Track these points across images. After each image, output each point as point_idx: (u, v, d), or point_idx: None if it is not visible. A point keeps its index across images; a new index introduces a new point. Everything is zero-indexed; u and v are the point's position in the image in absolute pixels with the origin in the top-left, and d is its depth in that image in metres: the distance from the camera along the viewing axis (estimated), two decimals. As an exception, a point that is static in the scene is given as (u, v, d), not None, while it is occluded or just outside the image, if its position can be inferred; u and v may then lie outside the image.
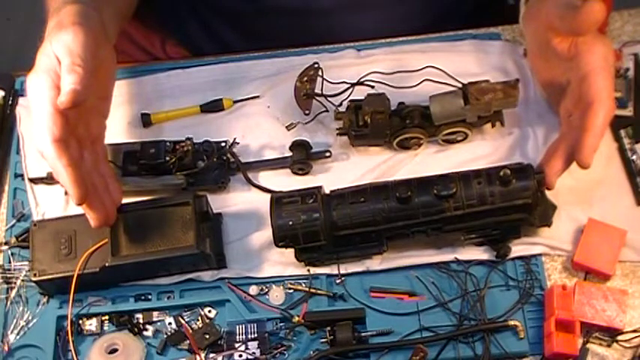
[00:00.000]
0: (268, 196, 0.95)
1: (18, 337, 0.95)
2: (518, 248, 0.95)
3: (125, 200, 0.98)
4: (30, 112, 1.07)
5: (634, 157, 1.00)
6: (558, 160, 0.93)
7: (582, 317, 0.90)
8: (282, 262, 0.97)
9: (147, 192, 1.00)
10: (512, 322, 0.91)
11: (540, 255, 0.96)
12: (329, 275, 0.96)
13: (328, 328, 0.92)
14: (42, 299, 0.97)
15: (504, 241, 0.95)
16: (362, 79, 1.02)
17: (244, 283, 0.96)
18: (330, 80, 1.02)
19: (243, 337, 0.93)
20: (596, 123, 0.90)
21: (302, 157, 1.01)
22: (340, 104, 1.02)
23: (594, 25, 0.92)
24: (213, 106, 1.07)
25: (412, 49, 1.09)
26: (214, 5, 1.19)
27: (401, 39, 1.11)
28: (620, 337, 0.91)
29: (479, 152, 1.02)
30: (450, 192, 0.91)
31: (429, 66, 1.01)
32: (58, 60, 0.89)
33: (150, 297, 0.97)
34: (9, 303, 0.97)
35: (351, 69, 1.06)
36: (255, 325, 0.94)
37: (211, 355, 0.93)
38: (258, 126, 1.06)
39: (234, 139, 1.04)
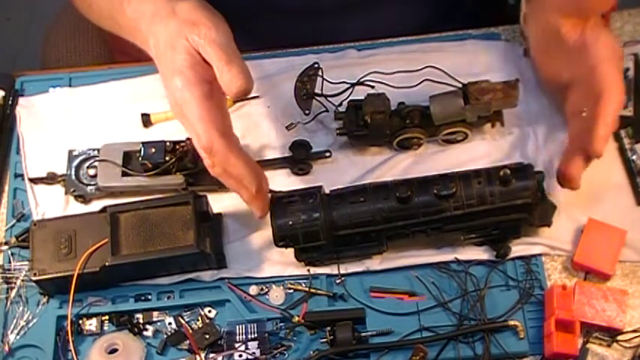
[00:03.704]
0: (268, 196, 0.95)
1: (18, 337, 0.95)
2: (518, 248, 0.95)
3: (125, 200, 0.99)
4: (30, 113, 1.08)
5: (634, 157, 1.00)
6: (578, 157, 0.92)
7: (582, 317, 0.90)
8: (282, 262, 0.97)
9: (147, 192, 1.00)
10: (512, 322, 0.91)
11: (540, 255, 0.96)
12: (329, 275, 0.96)
13: (328, 328, 0.92)
14: (42, 299, 0.97)
15: (504, 240, 0.95)
16: (362, 79, 1.02)
17: (244, 283, 0.96)
18: (330, 80, 1.02)
19: (243, 337, 0.93)
20: (607, 112, 0.90)
21: (302, 157, 1.01)
22: (340, 104, 1.02)
23: (605, 3, 0.92)
24: (213, 106, 1.07)
25: (412, 49, 1.09)
26: (215, 4, 1.19)
27: (401, 39, 1.11)
28: (620, 337, 0.91)
29: (479, 152, 1.02)
30: (450, 192, 0.91)
31: (429, 66, 1.01)
32: (200, 55, 0.87)
33: (150, 297, 0.97)
34: (9, 303, 0.97)
35: (351, 69, 1.06)
36: (255, 325, 0.94)
37: (211, 355, 0.93)
38: (258, 126, 1.06)
39: (235, 139, 1.04)
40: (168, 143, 1.00)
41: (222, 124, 0.88)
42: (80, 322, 0.96)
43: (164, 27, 0.89)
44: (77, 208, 1.02)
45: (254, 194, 0.91)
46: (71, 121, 1.07)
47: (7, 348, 0.94)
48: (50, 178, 1.03)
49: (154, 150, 1.00)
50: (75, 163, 1.03)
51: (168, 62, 0.88)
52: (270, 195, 0.94)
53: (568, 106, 0.97)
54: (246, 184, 0.90)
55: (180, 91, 0.87)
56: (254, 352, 0.92)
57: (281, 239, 0.93)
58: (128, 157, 1.01)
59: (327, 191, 0.95)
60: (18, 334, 0.95)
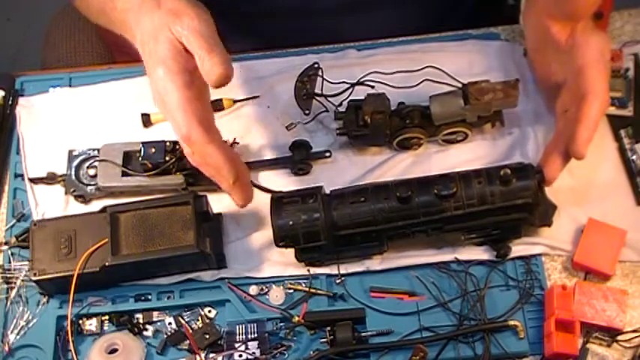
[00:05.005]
0: (268, 196, 0.95)
1: (18, 337, 0.95)
2: (519, 248, 0.95)
3: (125, 200, 0.98)
4: (30, 112, 1.08)
5: (634, 157, 1.00)
6: (557, 157, 0.93)
7: (582, 317, 0.90)
8: (282, 262, 0.97)
9: (147, 192, 1.00)
10: (512, 322, 0.91)
11: (540, 255, 0.96)
12: (329, 275, 0.96)
13: (328, 328, 0.92)
14: (42, 299, 0.97)
15: (505, 240, 0.95)
16: (362, 79, 1.02)
17: (244, 283, 0.96)
18: (330, 80, 1.03)
19: (243, 337, 0.93)
20: (590, 114, 0.90)
21: (302, 157, 1.01)
22: (340, 104, 1.02)
23: (589, 8, 0.92)
24: (213, 106, 1.06)
25: (412, 49, 1.09)
26: (215, 6, 1.19)
27: (401, 39, 1.11)
28: (620, 337, 0.91)
29: (479, 152, 1.02)
30: (451, 192, 0.91)
31: (429, 66, 1.01)
32: (182, 46, 0.88)
33: (150, 297, 0.97)
34: (9, 303, 0.97)
35: (352, 69, 1.06)
36: (255, 325, 0.94)
37: (211, 355, 0.93)
38: (258, 126, 1.06)
39: (234, 139, 1.04)
40: (168, 143, 1.00)
41: (202, 114, 0.88)
42: (80, 322, 0.96)
43: (149, 19, 0.90)
44: (77, 208, 1.02)
45: (232, 185, 0.92)
46: (71, 121, 1.07)
47: (7, 348, 0.94)
48: (50, 178, 1.03)
49: (153, 150, 1.00)
50: (75, 163, 1.03)
51: (152, 52, 0.89)
52: (270, 195, 0.94)
53: (558, 106, 0.97)
54: (224, 174, 0.91)
55: (162, 81, 0.88)
56: (254, 352, 0.92)
57: (281, 239, 0.93)
58: (128, 157, 1.01)
59: (327, 191, 0.95)
60: (18, 334, 0.95)
